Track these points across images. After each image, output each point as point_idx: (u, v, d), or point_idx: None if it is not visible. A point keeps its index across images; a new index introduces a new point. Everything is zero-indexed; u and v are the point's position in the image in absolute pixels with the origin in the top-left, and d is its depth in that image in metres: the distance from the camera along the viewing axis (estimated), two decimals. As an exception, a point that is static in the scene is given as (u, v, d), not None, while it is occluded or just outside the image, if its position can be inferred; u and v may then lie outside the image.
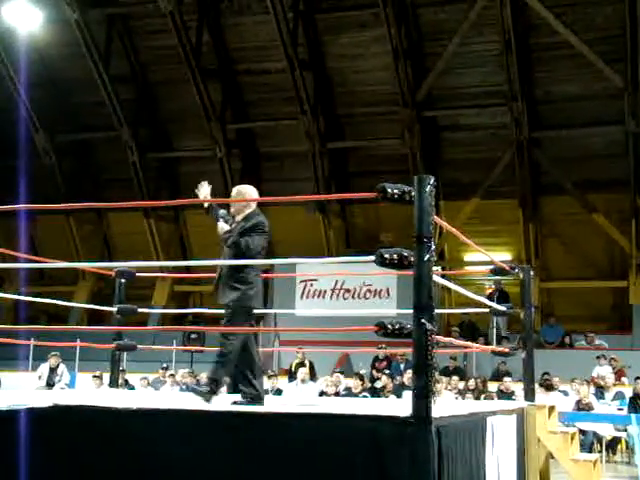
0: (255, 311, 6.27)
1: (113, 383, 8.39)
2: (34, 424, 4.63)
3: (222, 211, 6.42)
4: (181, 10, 19.42)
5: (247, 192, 6.37)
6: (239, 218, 6.24)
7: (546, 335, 18.62)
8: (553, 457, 7.38)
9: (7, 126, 20.78)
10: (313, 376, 14.94)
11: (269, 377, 14.26)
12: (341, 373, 14.76)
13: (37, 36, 20.22)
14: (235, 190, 6.47)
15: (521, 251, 20.04)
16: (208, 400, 5.75)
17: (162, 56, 20.80)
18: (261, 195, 6.33)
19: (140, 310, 8.47)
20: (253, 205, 6.33)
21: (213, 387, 5.87)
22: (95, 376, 14.53)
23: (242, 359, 6.09)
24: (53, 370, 14.93)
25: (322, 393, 13.22)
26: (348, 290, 19.36)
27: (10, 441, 4.52)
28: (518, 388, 11.49)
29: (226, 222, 6.31)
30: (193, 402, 5.97)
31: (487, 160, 19.55)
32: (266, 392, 13.42)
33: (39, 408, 4.73)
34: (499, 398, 13.29)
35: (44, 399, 5.25)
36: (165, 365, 16.12)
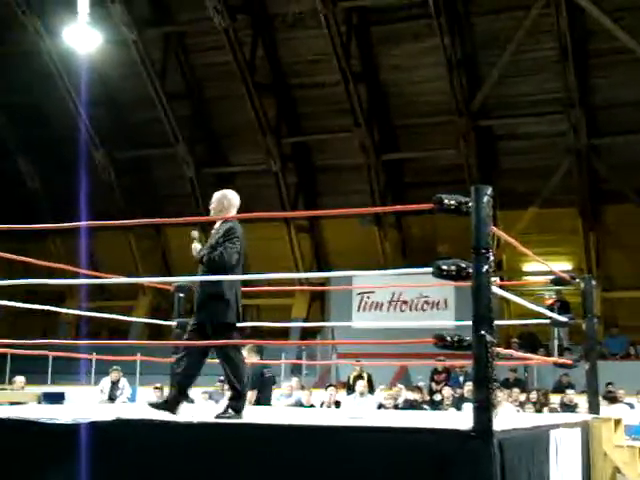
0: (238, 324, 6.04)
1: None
2: (97, 437, 4.69)
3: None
4: (235, 26, 19.64)
5: (227, 196, 6.23)
6: (217, 225, 6.10)
7: (609, 346, 18.23)
8: (620, 472, 7.20)
9: (68, 144, 21.21)
10: (371, 389, 14.85)
11: (326, 388, 14.24)
12: (403, 388, 14.64)
13: (96, 57, 20.62)
14: (219, 193, 6.31)
15: (581, 261, 19.69)
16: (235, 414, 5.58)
17: (217, 72, 21.05)
18: (316, 209, 6.30)
19: (199, 324, 8.50)
20: (232, 211, 6.17)
21: (234, 405, 5.68)
22: (156, 387, 14.68)
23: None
24: (115, 384, 15.12)
25: (380, 406, 13.13)
26: (405, 302, 19.26)
27: (74, 454, 4.58)
28: (581, 400, 11.25)
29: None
30: (252, 415, 5.98)
31: (545, 168, 19.29)
32: (323, 405, 13.45)
33: (102, 422, 4.79)
34: (562, 411, 13.04)
35: (107, 413, 5.31)
36: (222, 378, 16.16)
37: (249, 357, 10.10)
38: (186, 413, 5.77)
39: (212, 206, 6.24)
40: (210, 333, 5.81)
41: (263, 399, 10.74)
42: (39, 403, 11.52)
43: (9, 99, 22.64)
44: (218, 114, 21.97)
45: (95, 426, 4.73)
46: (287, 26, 20.19)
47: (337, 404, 13.60)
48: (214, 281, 5.78)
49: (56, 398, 16.15)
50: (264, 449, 4.46)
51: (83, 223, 5.80)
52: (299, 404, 13.62)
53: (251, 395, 10.59)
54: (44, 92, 22.24)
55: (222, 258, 5.77)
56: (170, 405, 5.68)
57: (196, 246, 6.17)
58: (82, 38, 19.07)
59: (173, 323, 8.10)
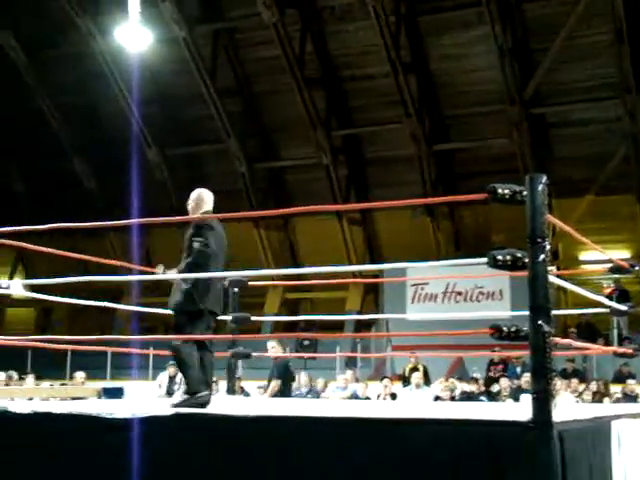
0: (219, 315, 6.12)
1: (230, 390, 8.53)
2: (156, 432, 4.74)
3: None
4: (284, 21, 19.68)
5: (200, 195, 6.33)
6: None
7: (670, 335, 17.83)
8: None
9: (121, 143, 21.51)
10: (427, 381, 14.78)
11: (381, 380, 14.20)
12: (459, 379, 14.55)
13: (147, 55, 20.87)
14: (194, 193, 6.38)
15: (640, 248, 19.32)
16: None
17: (267, 67, 21.12)
18: (368, 201, 6.30)
19: (253, 318, 8.57)
20: (204, 207, 6.22)
21: (194, 400, 5.67)
22: (212, 381, 14.82)
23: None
24: (172, 379, 15.29)
25: (437, 398, 13.06)
26: (460, 293, 19.11)
27: (133, 449, 4.64)
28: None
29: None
30: (310, 408, 5.99)
31: (600, 155, 18.96)
32: (378, 397, 13.44)
33: (161, 416, 4.84)
34: (623, 401, 12.81)
35: (165, 407, 5.37)
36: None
37: (276, 349, 10.11)
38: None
39: (189, 206, 6.33)
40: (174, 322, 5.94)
41: (286, 391, 10.94)
42: (99, 398, 11.72)
43: (64, 100, 23.04)
44: (268, 109, 22.05)
45: (154, 420, 4.79)
46: (336, 19, 20.17)
47: (393, 396, 13.57)
48: (193, 268, 5.90)
49: (115, 393, 16.41)
50: (325, 443, 4.46)
51: (137, 220, 5.88)
52: (354, 396, 13.63)
53: (274, 385, 10.61)
54: (97, 92, 22.60)
55: (199, 250, 5.85)
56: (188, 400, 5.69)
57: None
58: (133, 37, 19.32)
59: (228, 318, 8.16)
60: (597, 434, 4.88)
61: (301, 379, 15.12)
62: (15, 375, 15.31)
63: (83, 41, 21.55)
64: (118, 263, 8.61)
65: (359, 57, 20.36)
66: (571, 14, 17.92)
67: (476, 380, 13.79)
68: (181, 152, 23.22)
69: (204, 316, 6.01)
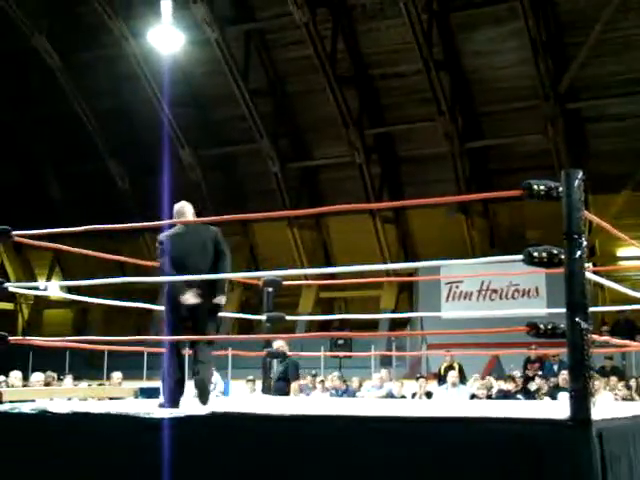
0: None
1: (265, 390, 8.55)
2: (193, 432, 4.77)
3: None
4: (315, 20, 19.67)
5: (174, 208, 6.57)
6: None
7: None
8: None
9: (155, 144, 21.65)
10: (463, 379, 14.69)
11: (417, 379, 14.15)
12: (496, 378, 14.44)
13: (180, 57, 21.01)
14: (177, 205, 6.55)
15: (679, 243, 19.02)
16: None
17: (298, 67, 21.15)
18: (401, 199, 6.29)
19: (288, 318, 8.58)
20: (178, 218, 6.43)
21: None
22: (249, 380, 14.86)
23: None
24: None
25: (473, 396, 12.97)
26: (495, 291, 18.99)
27: (169, 449, 4.67)
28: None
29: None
30: (343, 407, 5.99)
31: (637, 150, 18.75)
32: (415, 396, 13.39)
33: (198, 415, 4.87)
34: (662, 399, 12.62)
35: (202, 407, 5.40)
36: (314, 372, 16.21)
37: (283, 348, 10.03)
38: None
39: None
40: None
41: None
42: (136, 398, 11.80)
43: (98, 103, 23.27)
44: (301, 108, 22.08)
45: (191, 420, 4.82)
46: (367, 17, 20.14)
47: (428, 395, 13.51)
48: None
49: (152, 393, 16.51)
50: (364, 442, 4.46)
51: (172, 221, 5.92)
52: (390, 395, 13.59)
53: (295, 386, 10.56)
54: (131, 94, 22.81)
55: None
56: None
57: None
58: (166, 39, 19.46)
59: (263, 317, 8.18)
60: (637, 432, 4.82)
61: (334, 379, 15.14)
62: (54, 376, 15.47)
63: (116, 44, 21.74)
64: (153, 264, 8.68)
65: (391, 55, 20.30)
66: (606, 7, 17.70)
67: (513, 378, 13.66)
68: (214, 153, 23.34)
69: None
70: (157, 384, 18.07)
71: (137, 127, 23.33)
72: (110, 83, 22.94)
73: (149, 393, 15.92)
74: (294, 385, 10.94)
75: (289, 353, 10.39)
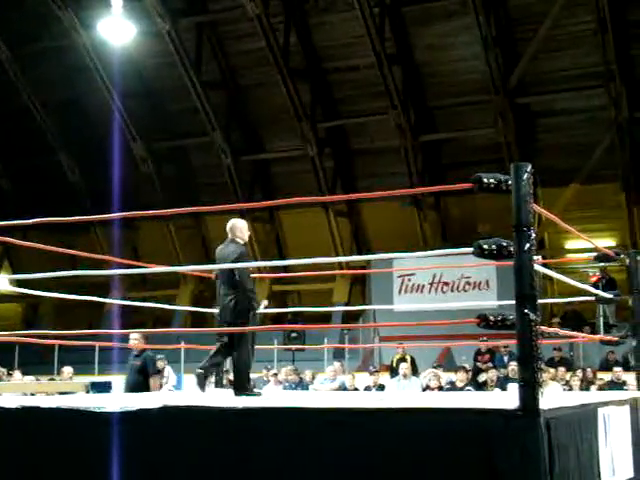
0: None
1: (218, 383, 8.52)
2: (145, 425, 4.74)
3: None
4: (268, 13, 19.62)
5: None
6: None
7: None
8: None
9: (106, 137, 21.41)
10: (415, 371, 14.83)
11: (371, 373, 14.25)
12: (447, 369, 14.59)
13: (131, 48, 20.78)
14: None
15: (625, 236, 19.42)
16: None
17: (251, 59, 21.08)
18: (354, 192, 6.34)
19: (241, 311, 8.54)
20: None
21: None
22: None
23: None
24: (160, 373, 15.26)
25: (425, 388, 13.11)
26: (446, 283, 19.17)
27: (121, 442, 4.64)
28: (630, 378, 11.11)
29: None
30: (298, 399, 6.01)
31: (586, 144, 19.04)
32: (368, 388, 13.47)
33: (149, 409, 4.84)
34: (610, 389, 12.89)
35: (153, 401, 5.37)
36: (269, 366, 16.22)
37: (139, 341, 9.88)
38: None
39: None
40: None
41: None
42: (87, 392, 11.69)
43: (48, 94, 22.93)
44: (253, 101, 22.02)
45: (142, 414, 4.79)
46: (319, 10, 20.13)
47: (381, 387, 13.61)
48: None
49: (103, 387, 16.37)
50: (316, 434, 4.48)
51: (123, 214, 5.84)
52: (343, 388, 13.66)
53: (156, 381, 10.22)
54: (81, 86, 22.51)
55: None
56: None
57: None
58: (117, 30, 19.22)
59: (215, 311, 8.15)
60: (584, 421, 4.92)
61: (287, 372, 15.16)
62: (3, 371, 15.23)
63: (66, 35, 21.42)
64: (106, 258, 8.58)
65: (344, 48, 20.34)
66: (554, 3, 17.96)
67: (465, 370, 13.83)
68: (166, 145, 23.16)
69: None
70: (108, 379, 17.97)
71: (88, 119, 23.02)
72: (60, 75, 22.57)
73: (100, 388, 15.80)
74: (153, 380, 10.45)
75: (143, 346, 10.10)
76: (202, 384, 6.74)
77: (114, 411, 4.81)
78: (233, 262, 6.75)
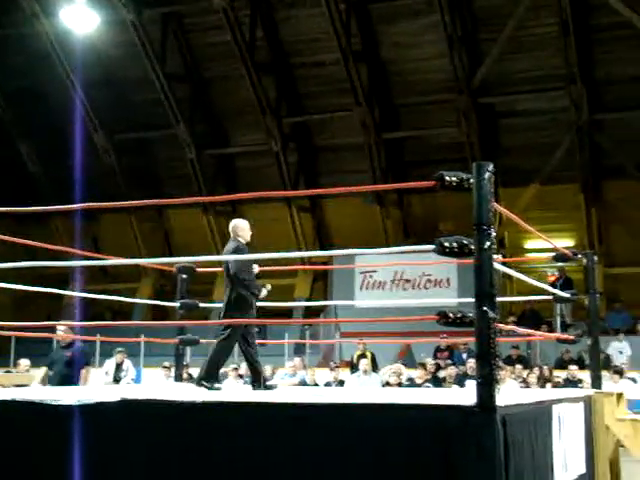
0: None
1: (178, 377, 8.50)
2: (103, 418, 4.72)
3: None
4: (234, 6, 19.54)
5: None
6: None
7: (611, 321, 18.24)
8: (622, 445, 7.24)
9: (67, 127, 21.17)
10: (375, 367, 14.91)
11: (331, 369, 14.29)
12: (404, 365, 14.68)
13: (94, 38, 20.56)
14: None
15: (584, 237, 19.70)
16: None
17: (216, 52, 20.96)
18: (319, 188, 6.41)
19: (202, 305, 8.55)
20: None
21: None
22: (165, 367, 14.73)
23: None
24: (119, 366, 15.18)
25: (385, 384, 13.18)
26: (408, 280, 19.27)
27: (79, 435, 4.61)
28: (586, 376, 11.29)
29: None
30: (257, 395, 6.01)
31: (546, 145, 19.26)
32: (328, 384, 13.51)
33: (107, 402, 4.81)
34: (565, 386, 13.09)
35: (112, 394, 5.34)
36: (235, 366, 15.93)
37: (67, 332, 9.67)
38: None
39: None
40: None
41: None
42: (44, 385, 11.55)
43: (8, 82, 22.58)
44: (218, 95, 21.90)
45: (101, 407, 4.76)
46: (286, 5, 20.08)
47: (341, 383, 13.66)
48: None
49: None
50: (276, 429, 4.49)
51: (84, 205, 5.78)
52: (303, 383, 13.69)
53: (86, 372, 9.86)
54: (42, 74, 22.17)
55: None
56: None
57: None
58: (80, 19, 19.01)
59: (176, 304, 8.12)
60: (539, 418, 5.00)
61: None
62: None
63: (28, 22, 21.11)
64: (65, 249, 8.49)
65: (309, 44, 20.31)
66: (519, 5, 18.13)
67: (424, 366, 13.94)
68: (129, 137, 22.94)
69: None
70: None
71: (49, 109, 22.68)
72: (21, 63, 22.21)
73: (58, 380, 15.61)
74: (85, 372, 10.02)
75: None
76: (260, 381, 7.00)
77: (71, 404, 4.77)
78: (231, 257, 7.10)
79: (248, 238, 7.32)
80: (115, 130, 22.66)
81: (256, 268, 7.21)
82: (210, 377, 6.74)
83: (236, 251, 7.07)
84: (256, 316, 7.26)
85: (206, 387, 6.64)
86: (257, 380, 6.98)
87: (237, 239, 7.24)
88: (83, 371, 9.81)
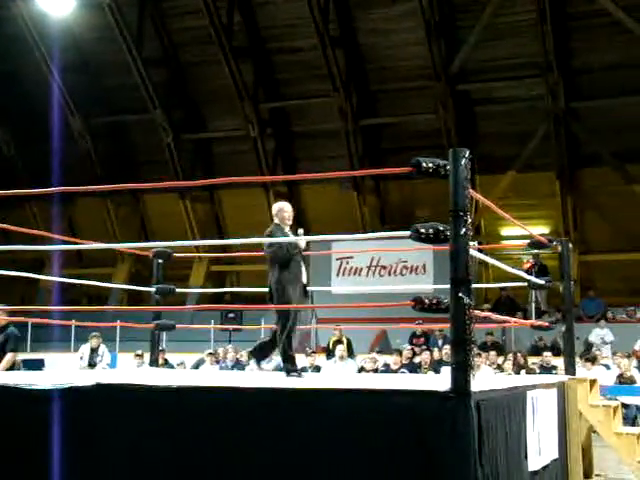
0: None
1: (153, 363, 8.48)
2: (77, 402, 4.71)
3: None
4: (212, -10, 19.39)
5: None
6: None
7: (586, 309, 18.43)
8: (595, 431, 7.34)
9: (43, 111, 20.98)
10: (351, 353, 14.96)
11: (307, 355, 14.33)
12: (379, 352, 14.75)
13: (70, 21, 20.34)
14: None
15: (559, 224, 19.84)
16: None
17: (194, 37, 20.82)
18: (295, 173, 6.42)
19: (178, 290, 8.53)
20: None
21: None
22: (137, 355, 14.70)
23: None
24: (94, 351, 15.10)
25: (361, 369, 13.24)
26: (384, 267, 19.32)
27: (54, 419, 4.60)
28: (560, 362, 11.40)
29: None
30: (231, 379, 6.02)
31: (523, 133, 19.34)
32: (304, 370, 13.55)
33: (82, 387, 4.80)
34: (539, 372, 13.21)
35: (87, 378, 5.32)
36: (212, 351, 15.84)
37: (2, 317, 9.51)
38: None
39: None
40: None
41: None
42: (18, 370, 11.48)
43: (-18, 65, 22.31)
44: (195, 79, 21.77)
45: (75, 391, 4.75)
46: (264, -11, 19.97)
47: (317, 369, 13.69)
48: None
49: (35, 365, 16.13)
50: (251, 413, 4.50)
51: (60, 189, 5.73)
52: (279, 369, 13.69)
53: (12, 357, 9.69)
54: (18, 58, 21.92)
55: None
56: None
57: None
58: (56, 1, 18.79)
59: (152, 289, 8.10)
60: (513, 403, 5.05)
61: (224, 352, 15.16)
62: None
63: (3, 5, 20.83)
64: (41, 233, 8.43)
65: (287, 29, 20.22)
66: (496, -8, 18.18)
67: (400, 352, 14.01)
68: (105, 121, 22.76)
69: None
70: (41, 356, 17.67)
71: (25, 92, 22.44)
72: (-4, 45, 21.97)
73: (32, 365, 15.55)
74: (9, 356, 9.53)
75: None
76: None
77: (45, 388, 4.76)
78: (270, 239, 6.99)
79: (286, 221, 7.08)
80: (91, 114, 22.48)
81: (302, 242, 6.97)
82: (293, 363, 6.82)
83: (273, 232, 6.99)
84: (303, 296, 7.14)
85: (297, 374, 6.67)
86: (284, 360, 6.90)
87: (275, 222, 7.12)
88: (8, 355, 9.57)
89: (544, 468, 5.65)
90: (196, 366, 14.89)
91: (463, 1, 18.96)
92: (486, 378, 7.19)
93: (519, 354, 14.45)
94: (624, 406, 11.60)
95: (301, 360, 14.54)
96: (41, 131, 21.25)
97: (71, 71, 21.45)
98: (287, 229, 7.04)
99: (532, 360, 14.55)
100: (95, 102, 22.36)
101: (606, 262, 19.87)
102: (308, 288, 7.06)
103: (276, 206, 7.19)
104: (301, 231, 7.02)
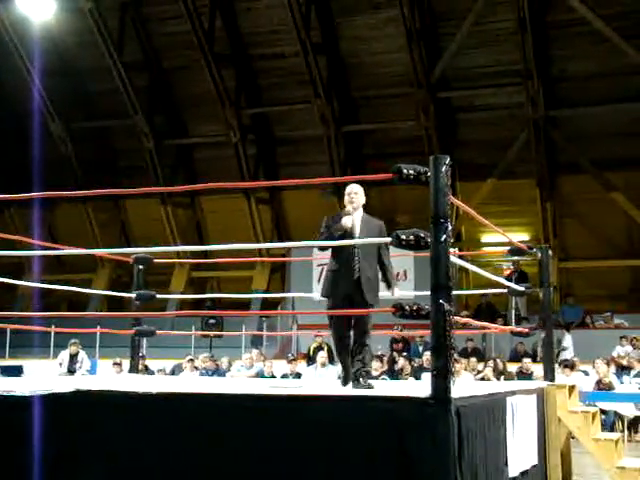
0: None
1: (133, 369, 8.44)
2: (56, 409, 4.68)
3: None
4: (193, -5, 19.38)
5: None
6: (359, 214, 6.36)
7: (565, 315, 18.52)
8: (574, 437, 7.37)
9: (23, 115, 20.86)
10: (332, 359, 14.95)
11: (289, 361, 14.31)
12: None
13: (51, 25, 20.26)
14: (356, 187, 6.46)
15: (539, 231, 19.95)
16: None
17: (175, 42, 20.78)
18: (277, 180, 6.36)
19: (158, 296, 8.48)
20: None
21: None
22: (115, 363, 14.63)
23: None
24: (73, 357, 15.03)
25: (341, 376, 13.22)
26: (365, 273, 19.30)
27: (33, 425, 4.57)
28: (538, 369, 11.45)
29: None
30: (211, 386, 6.00)
31: (503, 140, 19.45)
32: (285, 376, 13.54)
33: (61, 393, 4.78)
34: (519, 379, 13.26)
35: (66, 384, 5.29)
36: (191, 357, 15.74)
37: None
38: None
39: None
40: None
41: None
42: (-3, 377, 11.41)
43: (-39, 69, 22.16)
44: (177, 85, 21.73)
45: (54, 398, 4.72)
46: (246, -5, 19.97)
47: (298, 375, 13.68)
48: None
49: (14, 371, 16.02)
50: (220, 420, 4.49)
51: (40, 194, 5.71)
52: (260, 375, 13.68)
53: None
54: (-2, 61, 21.80)
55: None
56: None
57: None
58: (37, 5, 18.71)
59: (133, 295, 8.07)
60: (493, 410, 5.07)
61: (204, 359, 15.08)
62: None
63: (-18, 8, 20.73)
64: (20, 238, 8.38)
65: (269, 35, 20.24)
66: (478, 1, 18.26)
67: (380, 358, 14.01)
68: (86, 126, 22.65)
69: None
70: (20, 362, 17.53)
71: (5, 96, 22.34)
72: (-25, 48, 21.84)
73: (11, 371, 15.45)
74: None
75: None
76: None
77: (24, 395, 4.73)
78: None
79: (350, 205, 6.56)
80: (72, 119, 22.37)
81: (348, 221, 6.35)
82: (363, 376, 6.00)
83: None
84: (350, 290, 6.36)
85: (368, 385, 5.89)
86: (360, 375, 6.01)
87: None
88: None
89: (524, 474, 5.67)
90: (172, 372, 14.83)
91: (444, 9, 19.05)
92: (466, 384, 7.21)
93: (499, 360, 14.51)
94: (602, 412, 11.69)
95: (282, 366, 14.54)
96: (21, 135, 21.12)
97: (52, 75, 21.34)
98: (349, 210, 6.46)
99: (511, 366, 14.61)
100: (76, 107, 22.27)
101: (585, 269, 20.01)
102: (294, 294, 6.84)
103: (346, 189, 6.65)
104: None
